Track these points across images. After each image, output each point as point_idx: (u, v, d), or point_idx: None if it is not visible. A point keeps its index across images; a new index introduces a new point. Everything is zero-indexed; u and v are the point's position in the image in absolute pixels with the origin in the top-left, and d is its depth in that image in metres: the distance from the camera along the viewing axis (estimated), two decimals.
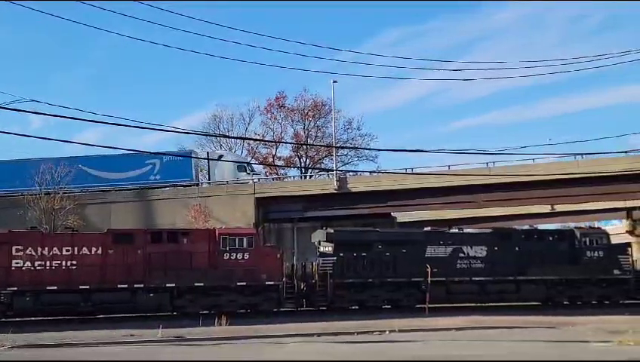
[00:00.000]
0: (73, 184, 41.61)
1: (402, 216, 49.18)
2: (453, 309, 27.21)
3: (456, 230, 31.07)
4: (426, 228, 32.19)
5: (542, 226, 47.19)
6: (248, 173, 46.88)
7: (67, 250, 24.77)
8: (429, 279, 27.33)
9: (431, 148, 29.06)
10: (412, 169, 42.72)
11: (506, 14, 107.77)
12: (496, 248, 29.49)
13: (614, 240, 33.63)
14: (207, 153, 52.23)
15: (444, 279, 28.26)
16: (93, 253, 25.03)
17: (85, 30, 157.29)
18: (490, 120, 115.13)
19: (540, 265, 29.41)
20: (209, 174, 48.77)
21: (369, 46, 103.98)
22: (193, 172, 46.76)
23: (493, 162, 40.58)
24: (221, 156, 48.90)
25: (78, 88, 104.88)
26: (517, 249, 29.79)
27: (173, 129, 24.55)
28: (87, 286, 24.48)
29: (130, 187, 46.51)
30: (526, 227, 38.86)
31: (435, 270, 27.57)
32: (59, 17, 21.30)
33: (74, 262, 24.71)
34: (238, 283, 25.88)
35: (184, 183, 46.10)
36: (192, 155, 47.85)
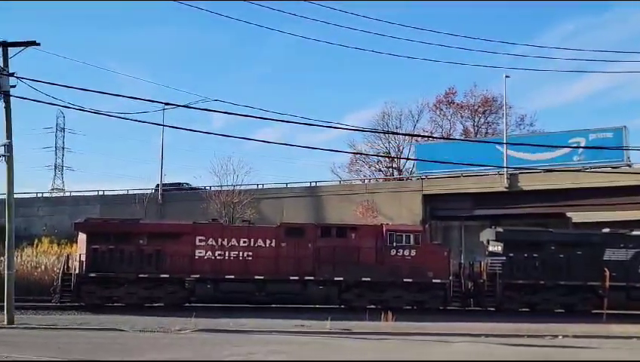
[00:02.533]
0: (489, 164, 40.30)
1: (577, 217, 46.66)
2: (636, 317, 25.45)
3: (639, 232, 28.94)
4: (604, 230, 30.38)
5: None
6: None
7: (244, 242, 26.20)
8: (608, 283, 25.83)
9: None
10: (589, 167, 40.40)
11: None
12: None
13: None
14: None
15: (624, 284, 26.54)
16: (267, 245, 26.29)
17: (258, 30, 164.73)
18: None
19: None
20: None
21: (543, 40, 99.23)
22: (624, 152, 40.34)
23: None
24: None
25: (251, 87, 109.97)
26: None
27: (343, 126, 25.29)
28: (262, 277, 25.74)
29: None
30: None
31: (614, 274, 26.00)
32: (238, 20, 22.58)
33: (250, 253, 26.11)
34: (404, 280, 26.00)
35: (615, 164, 40.71)
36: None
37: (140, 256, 25.60)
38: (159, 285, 25.58)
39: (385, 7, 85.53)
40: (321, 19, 24.63)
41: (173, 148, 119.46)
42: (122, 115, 19.60)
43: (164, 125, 26.44)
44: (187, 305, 25.47)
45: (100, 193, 53.74)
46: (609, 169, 39.40)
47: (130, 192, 50.97)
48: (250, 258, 26.07)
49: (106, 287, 25.33)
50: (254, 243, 26.22)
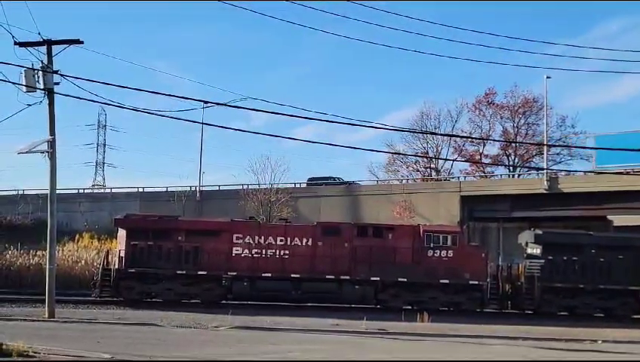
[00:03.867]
0: None
1: (619, 220, 45.80)
2: None
3: None
4: None
5: None
6: None
7: (281, 240, 26.31)
8: None
9: None
10: (632, 169, 39.60)
11: None
12: None
13: None
14: None
15: None
16: (303, 243, 26.34)
17: (297, 30, 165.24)
18: None
19: None
20: None
21: (585, 39, 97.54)
22: None
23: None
24: None
25: (290, 87, 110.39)
26: None
27: (381, 126, 25.25)
28: (298, 275, 25.82)
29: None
30: None
31: None
32: (278, 18, 22.72)
33: (286, 252, 26.20)
34: (441, 281, 25.86)
35: None
36: None
37: (178, 252, 25.90)
38: (196, 282, 25.84)
39: (425, 6, 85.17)
40: (362, 19, 24.58)
41: (213, 146, 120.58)
42: (159, 113, 20.00)
43: (202, 123, 26.54)
44: (224, 302, 25.69)
45: (140, 190, 54.54)
46: None
47: (170, 189, 51.61)
48: (286, 256, 26.16)
49: (144, 283, 25.69)
50: (291, 242, 26.30)
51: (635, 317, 25.31)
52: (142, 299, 25.61)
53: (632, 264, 26.47)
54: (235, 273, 25.85)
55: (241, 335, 17.00)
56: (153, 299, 25.91)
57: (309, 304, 25.89)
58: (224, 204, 45.03)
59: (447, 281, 25.86)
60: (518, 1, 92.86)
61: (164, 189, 52.87)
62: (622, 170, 40.28)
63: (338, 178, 52.07)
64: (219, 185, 54.19)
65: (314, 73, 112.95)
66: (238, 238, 26.28)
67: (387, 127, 50.81)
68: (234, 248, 26.19)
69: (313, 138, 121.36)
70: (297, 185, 49.11)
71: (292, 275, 25.81)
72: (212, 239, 26.18)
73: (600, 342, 18.30)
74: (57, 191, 21.01)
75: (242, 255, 26.16)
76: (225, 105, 20.38)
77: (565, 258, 26.83)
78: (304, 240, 26.37)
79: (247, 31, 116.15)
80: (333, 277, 25.89)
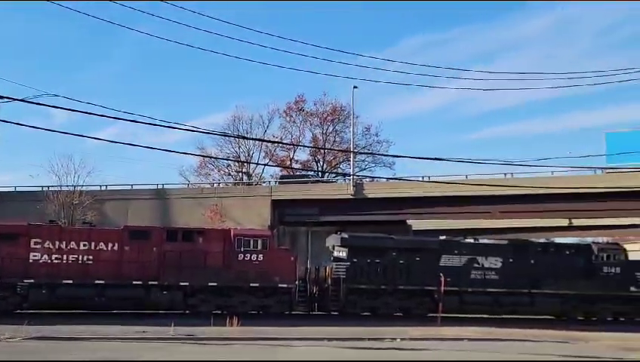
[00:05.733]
0: None
1: (418, 224, 49.10)
2: (466, 320, 27.08)
3: (472, 240, 30.90)
4: (441, 237, 32.07)
5: (558, 240, 46.80)
6: None
7: (84, 245, 25.03)
8: (443, 288, 27.22)
9: (451, 157, 28.71)
10: (429, 177, 42.60)
11: (533, 23, 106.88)
12: (511, 260, 29.29)
13: (633, 257, 33.26)
14: None
15: (457, 289, 28.11)
16: (109, 248, 25.26)
17: (112, 27, 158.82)
18: (513, 131, 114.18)
19: (556, 279, 29.15)
20: None
21: (391, 52, 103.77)
22: None
23: (512, 173, 40.40)
24: None
25: (105, 85, 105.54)
26: (532, 262, 29.57)
27: (192, 128, 24.63)
28: (103, 281, 24.69)
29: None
30: (542, 240, 38.59)
31: (449, 279, 27.45)
32: (87, 15, 21.55)
33: (90, 257, 24.96)
34: (251, 285, 25.98)
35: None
36: None
37: None
38: None
39: (233, 9, 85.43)
40: (173, 19, 23.89)
41: (7, 144, 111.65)
42: None
43: None
44: (19, 311, 23.77)
45: None
46: (446, 179, 41.64)
47: None
48: (90, 262, 24.91)
49: None
50: (95, 247, 25.10)
51: (431, 315, 27.03)
52: None
53: (428, 265, 28.32)
54: (32, 280, 24.09)
55: (36, 347, 15.82)
56: None
57: (114, 311, 24.85)
58: (21, 207, 41.73)
59: (257, 285, 26.03)
60: (331, 11, 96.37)
61: None
62: (419, 178, 43.08)
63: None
64: (15, 186, 50.22)
65: (130, 72, 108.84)
66: (36, 243, 24.56)
67: (199, 129, 49.47)
68: (32, 253, 24.42)
69: (122, 139, 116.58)
70: (104, 188, 46.86)
71: (96, 281, 24.60)
72: (6, 244, 24.19)
73: (399, 339, 19.36)
74: None
75: (41, 261, 24.48)
76: (23, 100, 18.89)
77: (369, 260, 28.09)
78: (110, 245, 25.26)
79: (54, 26, 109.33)
80: (140, 282, 25.05)
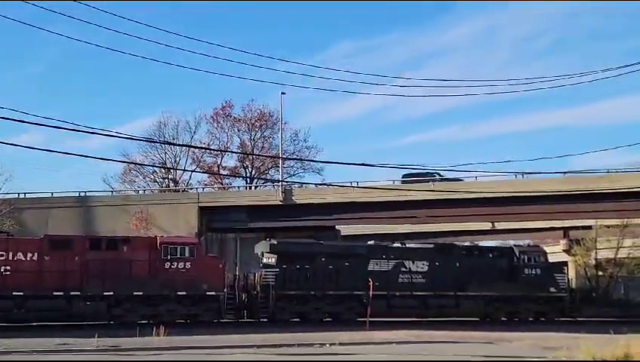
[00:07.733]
0: None
1: (346, 230, 49.35)
2: (394, 323, 27.37)
3: (399, 244, 31.35)
4: (369, 242, 32.40)
5: (483, 243, 48.00)
6: None
7: (1, 255, 24.10)
8: (371, 293, 27.43)
9: (379, 162, 29.18)
10: (357, 183, 42.90)
11: (459, 31, 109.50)
12: (437, 263, 29.85)
13: (552, 258, 34.48)
14: None
15: (385, 293, 28.42)
16: (28, 258, 24.39)
17: (33, 29, 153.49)
18: (439, 137, 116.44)
19: (480, 281, 29.89)
20: None
21: (320, 58, 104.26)
22: None
23: (436, 178, 41.15)
24: None
25: (29, 88, 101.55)
26: (457, 265, 30.23)
27: (115, 134, 23.74)
28: (21, 293, 23.79)
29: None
30: (467, 243, 39.50)
31: (377, 284, 27.69)
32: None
33: (8, 268, 24.06)
34: (178, 293, 25.54)
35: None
36: None
37: None
38: None
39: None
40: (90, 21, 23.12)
41: None
42: None
43: None
44: None
45: None
46: (375, 185, 42.10)
47: None
48: (7, 273, 23.95)
49: None
50: (13, 257, 24.16)
51: (360, 319, 27.21)
52: None
53: (356, 270, 28.54)
54: None
55: None
56: None
57: (34, 323, 23.94)
58: None
59: (184, 293, 25.61)
60: (261, 16, 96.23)
61: None
62: (348, 184, 43.40)
63: (436, 173, 44.63)
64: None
65: (50, 75, 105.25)
66: None
67: (122, 135, 48.30)
68: None
69: (40, 144, 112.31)
70: (22, 196, 45.08)
71: (14, 293, 23.65)
72: None
73: (328, 345, 19.38)
74: None
75: None
76: None
77: (298, 266, 28.09)
78: (29, 255, 24.38)
79: None
80: (62, 293, 24.23)
